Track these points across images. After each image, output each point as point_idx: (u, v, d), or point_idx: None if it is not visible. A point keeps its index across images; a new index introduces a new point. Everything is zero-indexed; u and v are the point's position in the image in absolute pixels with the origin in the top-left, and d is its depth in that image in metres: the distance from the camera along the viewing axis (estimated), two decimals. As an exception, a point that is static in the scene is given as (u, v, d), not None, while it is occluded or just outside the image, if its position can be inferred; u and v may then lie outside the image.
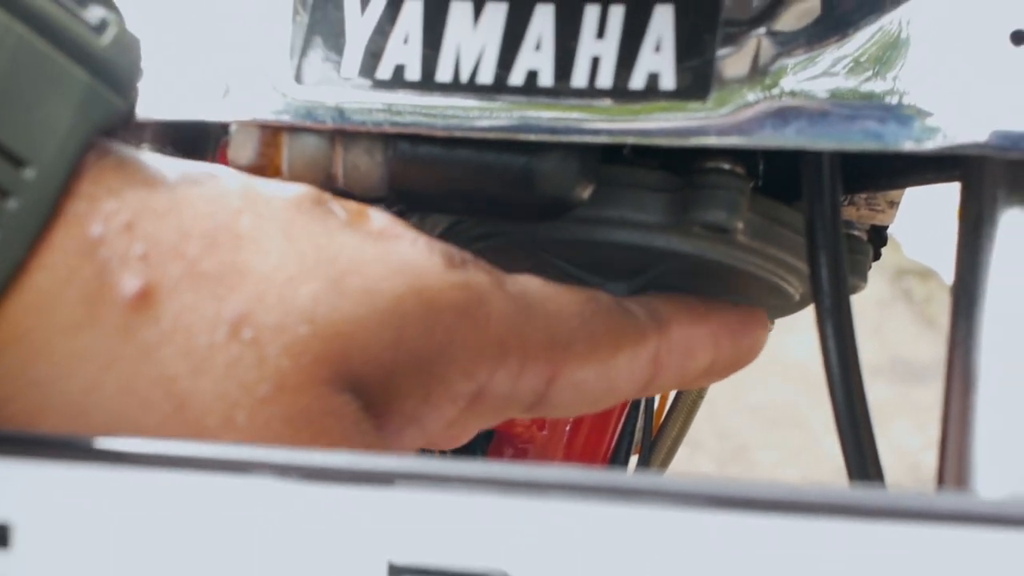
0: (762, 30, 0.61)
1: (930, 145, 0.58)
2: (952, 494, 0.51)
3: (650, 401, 1.06)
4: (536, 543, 0.46)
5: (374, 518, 0.47)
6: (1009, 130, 0.57)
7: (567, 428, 1.01)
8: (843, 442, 0.67)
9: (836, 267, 0.67)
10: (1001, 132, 0.57)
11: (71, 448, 0.50)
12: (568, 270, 0.73)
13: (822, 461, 4.11)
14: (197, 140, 0.69)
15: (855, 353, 0.67)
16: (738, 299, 0.75)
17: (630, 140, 0.61)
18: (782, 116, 0.59)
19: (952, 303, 0.61)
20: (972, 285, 0.60)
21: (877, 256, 0.82)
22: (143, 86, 0.66)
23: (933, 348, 4.89)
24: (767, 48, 0.61)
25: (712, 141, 0.60)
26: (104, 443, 0.49)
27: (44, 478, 0.50)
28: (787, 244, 0.70)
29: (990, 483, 0.54)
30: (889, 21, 0.60)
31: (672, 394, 1.08)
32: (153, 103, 0.66)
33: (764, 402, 4.48)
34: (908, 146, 0.58)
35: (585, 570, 0.46)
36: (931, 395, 4.66)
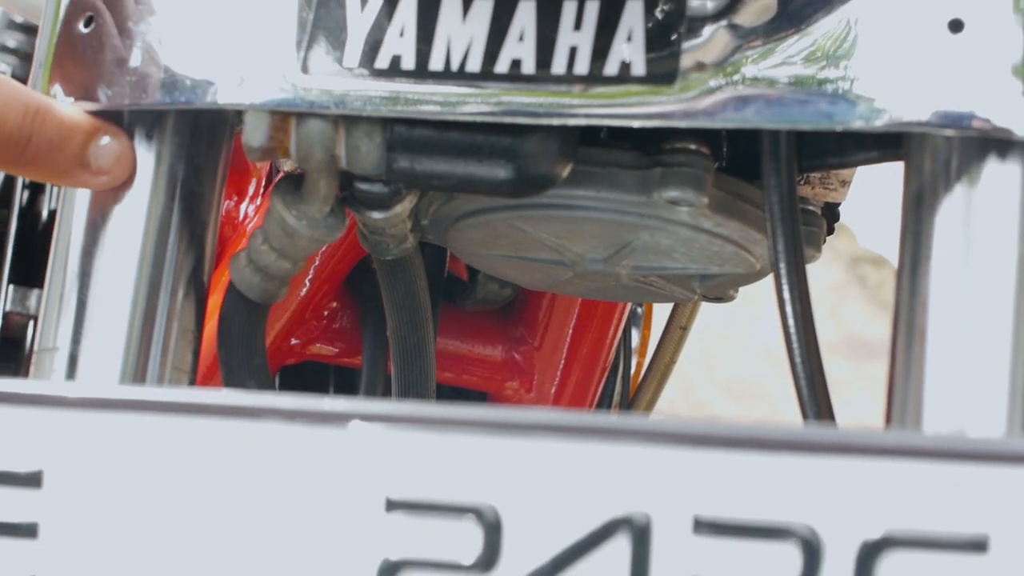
0: (723, 23, 0.61)
1: (877, 123, 0.58)
2: (902, 431, 0.51)
3: (627, 367, 1.06)
4: (522, 479, 0.46)
5: (373, 457, 0.47)
6: (947, 110, 0.57)
7: (552, 391, 1.01)
8: (799, 390, 0.67)
9: (793, 238, 0.66)
10: (940, 111, 0.57)
11: (94, 398, 0.50)
12: (549, 242, 0.72)
13: (785, 430, 4.11)
14: (215, 125, 0.68)
15: (810, 315, 0.67)
16: (702, 270, 0.75)
17: (604, 122, 0.61)
18: (742, 100, 0.59)
19: (898, 266, 0.61)
20: (915, 249, 0.59)
21: (831, 231, 0.81)
22: (166, 76, 0.66)
23: (886, 328, 4.88)
24: (728, 40, 0.60)
25: (678, 123, 0.60)
26: (125, 392, 0.49)
27: (70, 425, 0.49)
28: (749, 218, 0.70)
29: (933, 423, 0.54)
30: (839, 16, 0.59)
31: (646, 362, 1.08)
32: (174, 92, 0.65)
33: (734, 377, 4.49)
34: (858, 124, 0.58)
35: (567, 503, 0.46)
36: (884, 370, 4.64)
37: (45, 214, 1.22)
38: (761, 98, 0.59)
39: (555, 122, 0.61)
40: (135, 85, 0.66)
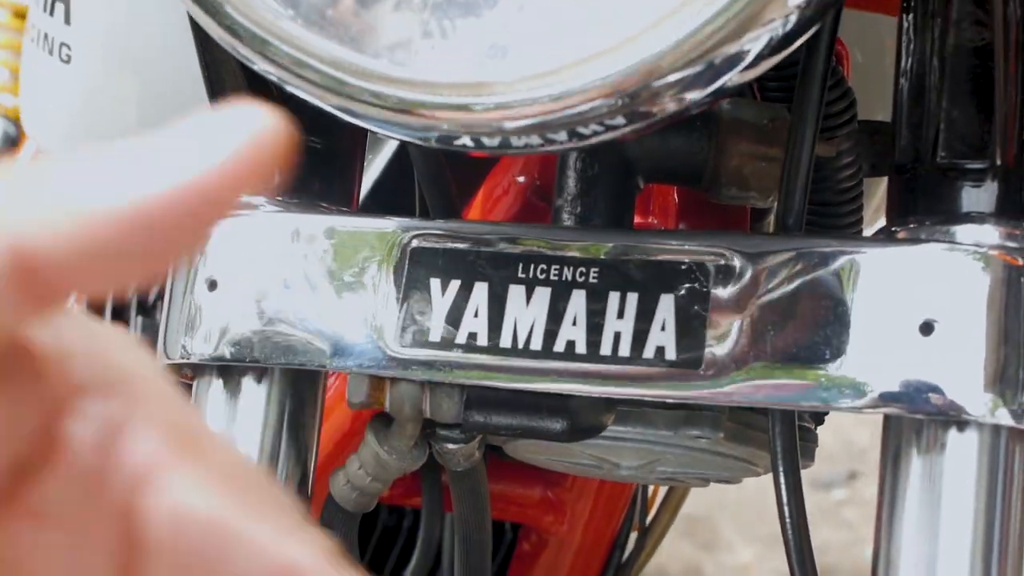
0: (740, 318, 0.70)
1: (859, 403, 0.68)
2: None
3: (644, 495, 1.17)
4: None
5: None
6: (915, 396, 0.67)
7: (582, 523, 1.12)
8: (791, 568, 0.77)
9: (791, 458, 0.77)
10: (909, 398, 0.67)
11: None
12: (591, 457, 0.83)
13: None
14: (314, 378, 0.78)
15: (804, 521, 0.77)
16: (716, 476, 0.85)
17: (642, 397, 0.71)
18: (756, 386, 0.69)
19: (876, 514, 0.71)
20: (892, 503, 0.70)
21: (820, 422, 0.92)
22: (284, 340, 0.76)
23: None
24: (745, 330, 0.70)
25: (704, 401, 0.70)
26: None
27: None
28: (756, 441, 0.81)
29: None
30: (831, 315, 0.69)
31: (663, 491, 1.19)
32: (291, 354, 0.75)
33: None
34: (845, 404, 0.69)
35: None
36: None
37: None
38: (771, 383, 0.69)
39: (603, 394, 0.72)
40: (256, 345, 0.76)
